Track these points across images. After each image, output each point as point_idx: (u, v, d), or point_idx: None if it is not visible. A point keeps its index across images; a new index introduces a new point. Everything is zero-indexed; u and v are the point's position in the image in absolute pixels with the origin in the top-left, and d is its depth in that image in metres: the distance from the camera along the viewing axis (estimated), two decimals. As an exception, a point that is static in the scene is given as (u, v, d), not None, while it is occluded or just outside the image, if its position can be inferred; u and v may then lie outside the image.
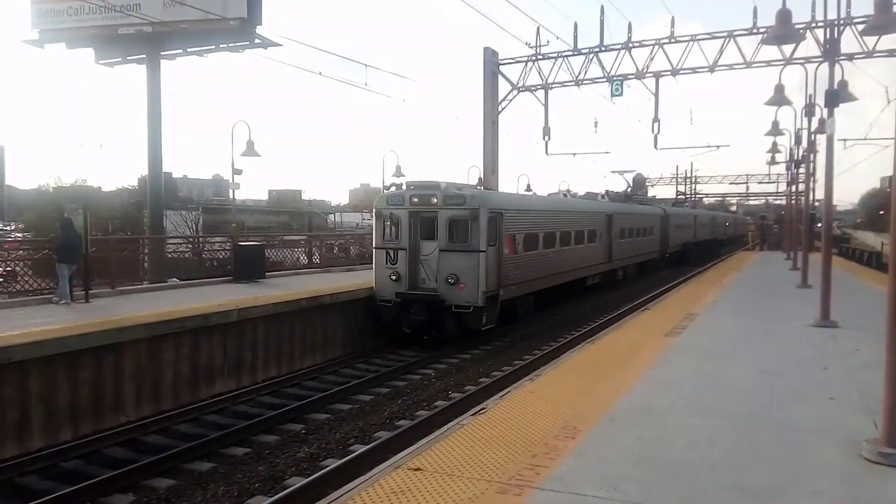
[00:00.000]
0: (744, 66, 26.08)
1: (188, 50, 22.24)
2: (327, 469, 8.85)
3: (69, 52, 22.88)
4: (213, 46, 21.89)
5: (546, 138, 30.58)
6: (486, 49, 30.27)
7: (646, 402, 8.26)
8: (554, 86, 29.54)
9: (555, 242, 21.95)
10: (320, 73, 22.64)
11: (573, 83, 28.86)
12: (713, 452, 6.54)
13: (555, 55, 28.75)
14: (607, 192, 35.29)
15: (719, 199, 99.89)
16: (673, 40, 26.86)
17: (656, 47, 27.15)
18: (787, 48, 24.33)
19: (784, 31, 12.33)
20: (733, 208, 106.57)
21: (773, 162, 36.06)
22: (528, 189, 37.55)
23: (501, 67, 30.51)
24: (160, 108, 21.29)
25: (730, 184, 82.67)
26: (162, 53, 21.90)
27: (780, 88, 17.67)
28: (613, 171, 38.75)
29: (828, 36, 21.33)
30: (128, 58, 22.78)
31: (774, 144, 32.86)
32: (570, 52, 28.34)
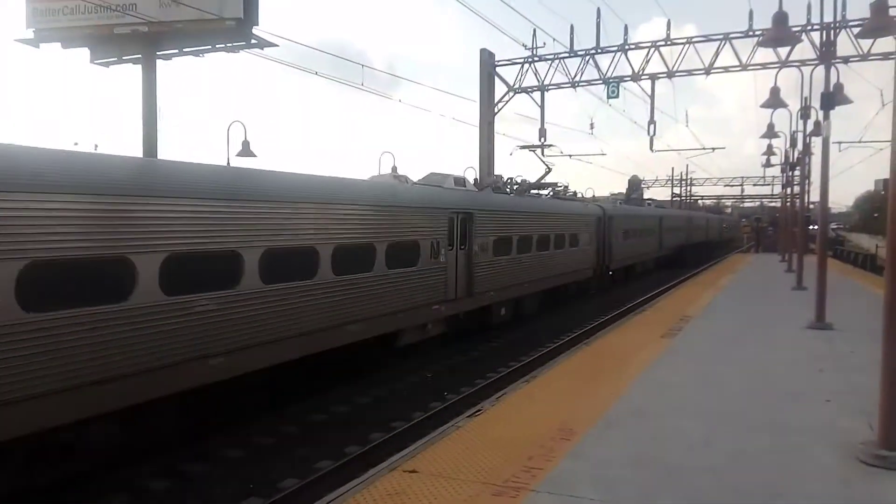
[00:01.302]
0: (739, 68, 26.15)
1: (184, 50, 22.15)
2: (323, 471, 8.81)
3: (64, 52, 22.80)
4: (210, 47, 21.80)
5: (542, 140, 30.58)
6: (482, 50, 30.30)
7: (642, 404, 8.26)
8: (550, 87, 29.57)
9: None
10: (316, 73, 22.76)
11: (569, 85, 28.90)
12: (710, 455, 6.54)
13: (551, 57, 28.78)
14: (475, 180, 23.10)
15: (714, 200, 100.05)
16: (669, 42, 26.91)
17: (652, 49, 27.21)
18: (783, 51, 24.43)
19: (780, 33, 12.36)
20: (728, 210, 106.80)
21: (768, 164, 36.16)
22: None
23: (498, 69, 30.53)
24: (156, 108, 21.22)
25: (725, 186, 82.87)
26: (158, 53, 21.83)
27: (775, 91, 17.72)
28: (521, 147, 24.08)
29: (824, 39, 21.43)
30: (123, 58, 22.68)
31: (770, 147, 32.96)
32: (567, 54, 28.38)
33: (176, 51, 22.42)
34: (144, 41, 21.52)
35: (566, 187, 29.56)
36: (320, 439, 10.33)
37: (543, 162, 24.31)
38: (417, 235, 14.03)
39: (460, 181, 19.60)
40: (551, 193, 26.20)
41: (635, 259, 34.30)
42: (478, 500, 5.51)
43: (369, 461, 8.92)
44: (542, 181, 24.59)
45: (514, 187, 23.20)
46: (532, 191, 24.37)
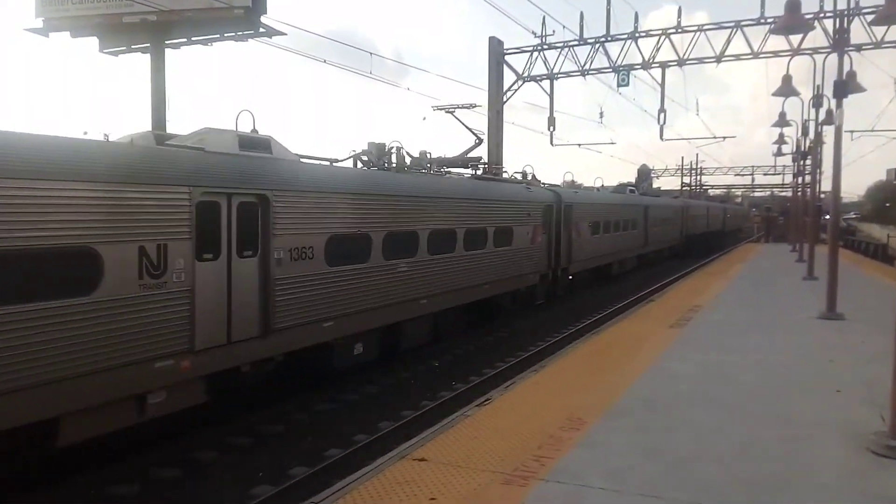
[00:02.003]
0: (751, 56, 25.89)
1: (192, 39, 22.14)
2: (332, 459, 8.86)
3: (73, 41, 22.83)
4: (218, 35, 21.79)
5: (551, 128, 30.46)
6: (491, 38, 30.13)
7: (651, 395, 8.24)
8: (559, 76, 29.38)
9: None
10: (325, 62, 22.61)
11: (579, 73, 28.70)
12: (719, 445, 6.53)
13: (561, 45, 28.57)
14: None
15: (725, 190, 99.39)
16: (680, 30, 26.66)
17: (663, 37, 26.96)
18: (796, 39, 24.17)
19: (793, 20, 12.22)
20: (738, 200, 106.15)
21: (779, 153, 35.86)
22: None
23: (507, 57, 30.34)
24: (165, 97, 21.25)
25: (736, 175, 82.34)
26: (166, 42, 21.83)
27: (787, 79, 17.55)
28: (436, 108, 18.24)
29: (837, 26, 21.14)
30: (132, 46, 22.70)
31: (781, 136, 32.69)
32: (577, 42, 28.16)
33: (185, 39, 22.41)
34: (153, 30, 21.51)
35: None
36: (329, 428, 10.37)
37: (471, 131, 18.82)
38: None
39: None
40: (479, 172, 19.50)
41: (608, 258, 27.73)
42: (487, 489, 5.52)
43: (378, 450, 8.98)
44: (467, 157, 19.33)
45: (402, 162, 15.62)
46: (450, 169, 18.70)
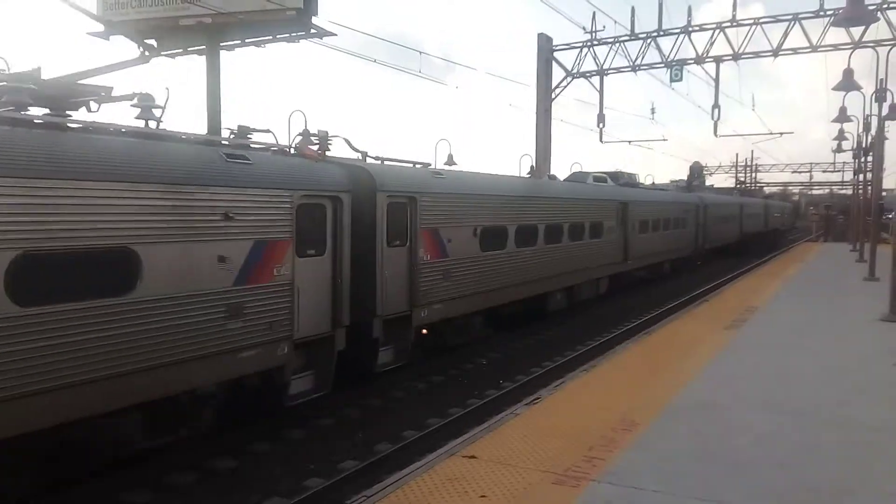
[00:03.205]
0: (809, 50, 25.05)
1: (246, 41, 22.62)
2: (382, 454, 8.95)
3: (133, 44, 23.57)
4: (271, 37, 22.20)
5: (601, 125, 30.08)
6: (540, 35, 29.89)
7: (706, 397, 8.08)
8: (610, 72, 28.97)
9: None
10: (375, 61, 22.89)
11: (630, 69, 28.25)
12: (778, 449, 6.36)
13: (611, 40, 28.16)
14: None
15: (781, 188, 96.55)
16: (735, 24, 25.97)
17: (717, 31, 26.32)
18: (857, 31, 23.28)
19: (855, 12, 11.82)
20: (795, 197, 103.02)
21: (839, 150, 34.69)
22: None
23: (556, 54, 30.06)
24: (220, 98, 21.75)
25: (793, 172, 79.90)
26: (221, 44, 22.35)
27: (848, 73, 16.97)
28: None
29: (902, 17, 20.31)
30: (188, 49, 23.31)
31: (841, 131, 31.60)
32: (628, 37, 27.71)
33: (239, 41, 22.91)
34: (208, 32, 22.04)
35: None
36: (378, 423, 10.48)
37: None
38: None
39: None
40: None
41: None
42: (538, 488, 5.50)
43: (426, 446, 9.03)
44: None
45: None
46: None
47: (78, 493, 7.57)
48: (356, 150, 12.23)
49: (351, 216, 10.44)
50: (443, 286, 12.76)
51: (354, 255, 10.50)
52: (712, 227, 35.48)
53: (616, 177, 26.32)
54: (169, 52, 23.75)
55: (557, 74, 30.15)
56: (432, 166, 14.65)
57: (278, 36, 22.05)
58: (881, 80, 19.68)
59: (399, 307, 11.69)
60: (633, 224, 23.61)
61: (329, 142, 11.13)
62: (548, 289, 17.48)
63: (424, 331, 12.70)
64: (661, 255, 27.46)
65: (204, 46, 22.57)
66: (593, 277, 20.61)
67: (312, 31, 21.38)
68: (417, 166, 13.52)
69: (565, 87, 30.12)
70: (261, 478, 8.42)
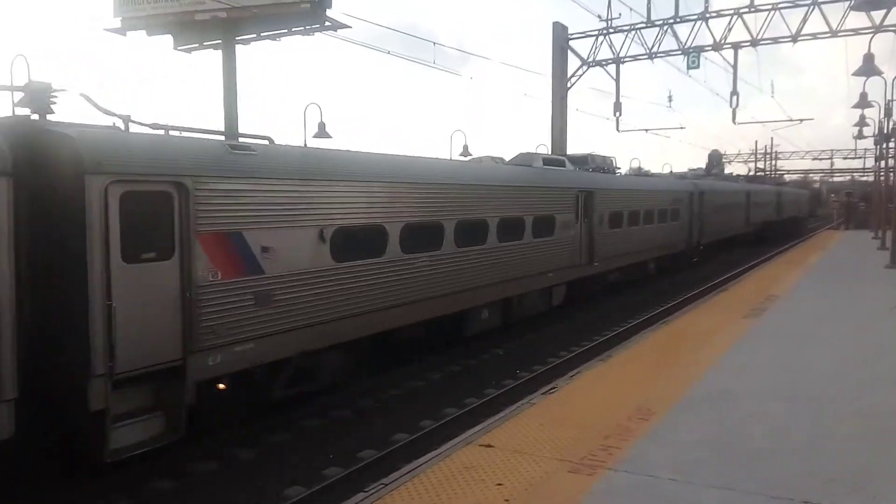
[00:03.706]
0: (829, 35, 24.67)
1: (262, 35, 22.73)
2: (399, 443, 9.04)
3: (149, 39, 23.77)
4: (286, 30, 22.30)
5: (617, 114, 29.87)
6: (555, 24, 29.70)
7: (723, 387, 8.06)
8: (626, 60, 28.74)
9: None
10: (389, 52, 22.83)
11: (646, 56, 28.00)
12: (794, 438, 6.34)
13: (627, 28, 27.93)
14: None
15: (802, 175, 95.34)
16: (753, 9, 25.63)
17: (735, 17, 26.00)
18: (877, 15, 22.88)
19: (877, -4, 11.61)
20: (816, 185, 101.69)
21: (860, 136, 34.18)
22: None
23: (571, 42, 29.86)
24: (236, 92, 21.90)
25: (813, 159, 78.84)
26: (236, 38, 22.47)
27: (869, 58, 16.72)
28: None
29: (925, 0, 19.91)
30: (204, 43, 23.47)
31: (862, 117, 31.10)
32: (644, 25, 27.47)
33: (254, 35, 23.02)
34: (224, 27, 22.16)
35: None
36: (395, 413, 10.57)
37: None
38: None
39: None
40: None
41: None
42: (554, 477, 5.54)
43: (443, 436, 9.09)
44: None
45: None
46: None
47: (104, 482, 7.75)
48: (110, 114, 8.11)
49: (28, 211, 6.82)
50: (256, 316, 8.68)
51: (39, 276, 6.99)
52: (712, 217, 30.55)
53: (584, 161, 22.47)
54: (185, 47, 23.96)
55: (573, 63, 29.99)
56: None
57: (293, 29, 22.17)
58: (903, 64, 19.37)
59: (157, 355, 7.55)
60: (600, 217, 19.05)
61: (52, 97, 7.51)
62: (466, 305, 13.22)
63: (221, 385, 8.57)
64: (643, 253, 22.97)
65: (220, 41, 22.75)
66: (540, 286, 16.13)
67: (327, 23, 21.47)
68: (210, 138, 9.06)
69: (581, 75, 29.95)
70: (279, 467, 8.55)
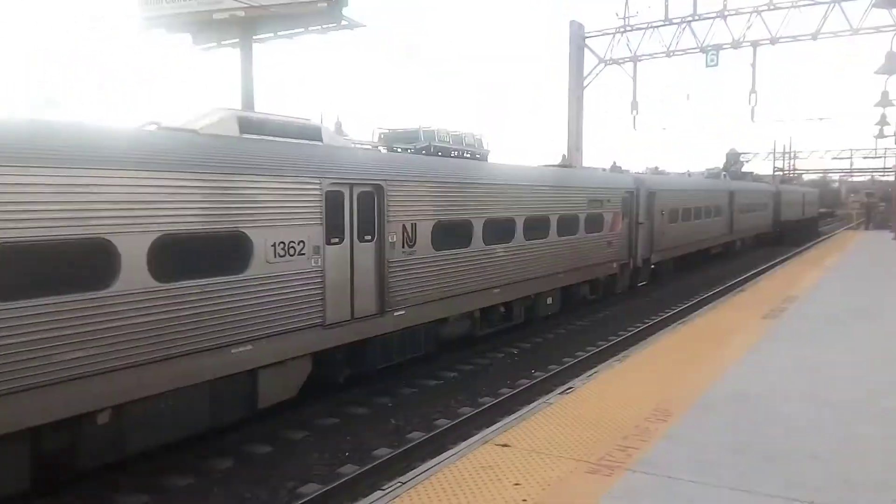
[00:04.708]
0: (850, 32, 24.41)
1: (278, 33, 22.88)
2: (415, 442, 9.04)
3: (170, 38, 24.03)
4: (303, 29, 22.44)
5: (634, 112, 29.75)
6: (571, 22, 29.63)
7: (742, 387, 7.98)
8: (643, 58, 28.59)
9: None
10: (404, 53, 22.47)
11: (664, 54, 27.84)
12: (814, 441, 6.27)
13: (644, 26, 27.79)
14: None
15: (821, 174, 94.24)
16: (772, 7, 25.41)
17: (754, 15, 25.77)
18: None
19: (900, -8, 11.44)
20: (835, 184, 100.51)
21: (881, 135, 33.71)
22: None
23: (587, 40, 29.77)
24: (253, 90, 22.06)
25: (832, 158, 77.94)
26: (254, 37, 22.63)
27: (891, 56, 16.48)
28: None
29: (949, -3, 19.63)
30: (222, 42, 23.67)
31: (883, 116, 30.69)
32: (661, 23, 27.31)
33: (271, 34, 23.18)
34: (241, 26, 22.33)
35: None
36: (411, 412, 10.58)
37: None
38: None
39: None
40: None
41: None
42: (571, 477, 5.51)
43: (459, 435, 9.09)
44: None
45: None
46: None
47: (120, 478, 7.82)
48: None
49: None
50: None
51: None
52: (665, 228, 22.53)
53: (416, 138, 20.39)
54: (203, 46, 24.15)
55: (590, 61, 29.88)
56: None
57: (310, 28, 22.30)
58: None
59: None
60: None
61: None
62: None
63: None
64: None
65: (237, 40, 22.92)
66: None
67: (343, 22, 21.55)
68: None
69: (597, 74, 29.84)
70: (295, 464, 8.58)
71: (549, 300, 15.75)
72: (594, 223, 17.29)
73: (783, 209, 44.17)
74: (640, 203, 20.45)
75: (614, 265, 18.75)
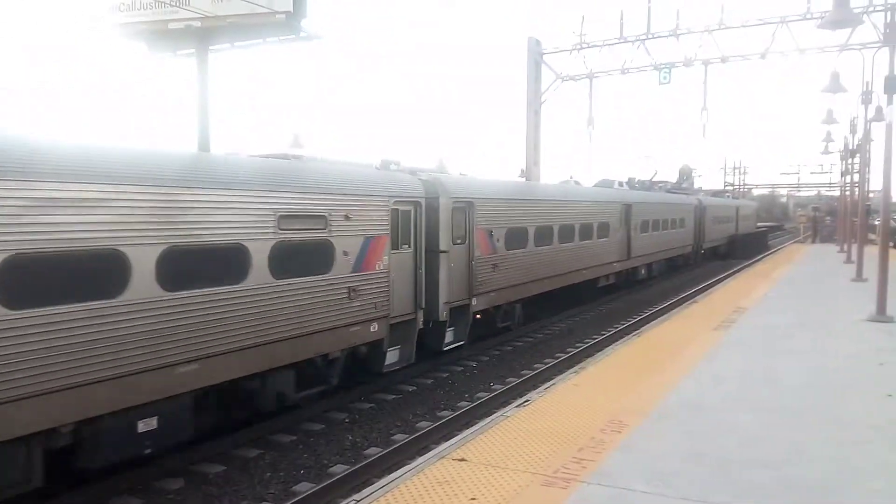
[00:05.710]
0: (797, 52, 25.26)
1: (235, 44, 22.58)
2: (373, 458, 8.93)
3: (123, 47, 23.50)
4: (261, 40, 22.19)
5: (590, 128, 30.23)
6: (529, 39, 29.98)
7: (694, 398, 8.12)
8: (599, 74, 29.11)
9: None
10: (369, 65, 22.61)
11: (619, 72, 28.39)
12: (765, 449, 6.40)
13: (600, 44, 28.31)
14: None
15: (770, 189, 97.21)
16: (722, 27, 26.16)
17: (705, 34, 26.50)
18: (843, 34, 23.49)
19: (841, 15, 11.92)
20: (783, 199, 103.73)
21: (826, 151, 35.00)
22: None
23: (545, 57, 30.18)
24: (208, 101, 21.70)
25: (781, 174, 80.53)
26: (210, 48, 22.30)
27: (835, 76, 17.12)
28: None
29: (887, 20, 20.51)
30: (177, 52, 23.26)
31: (829, 133, 31.89)
32: (617, 41, 27.87)
33: (228, 45, 22.86)
34: (198, 36, 21.98)
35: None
36: (368, 427, 10.46)
37: None
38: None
39: None
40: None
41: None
42: (527, 490, 5.51)
43: (417, 449, 9.02)
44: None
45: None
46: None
47: (112, 482, 7.59)
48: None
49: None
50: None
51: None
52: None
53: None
54: (159, 56, 23.69)
55: (547, 77, 30.28)
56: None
57: (268, 39, 22.06)
58: (867, 82, 19.88)
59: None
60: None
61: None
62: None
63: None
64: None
65: (193, 50, 22.54)
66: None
67: (302, 34, 21.40)
68: None
69: (555, 89, 30.25)
70: (249, 483, 8.38)
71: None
72: None
73: (708, 226, 36.85)
74: (421, 222, 12.69)
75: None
